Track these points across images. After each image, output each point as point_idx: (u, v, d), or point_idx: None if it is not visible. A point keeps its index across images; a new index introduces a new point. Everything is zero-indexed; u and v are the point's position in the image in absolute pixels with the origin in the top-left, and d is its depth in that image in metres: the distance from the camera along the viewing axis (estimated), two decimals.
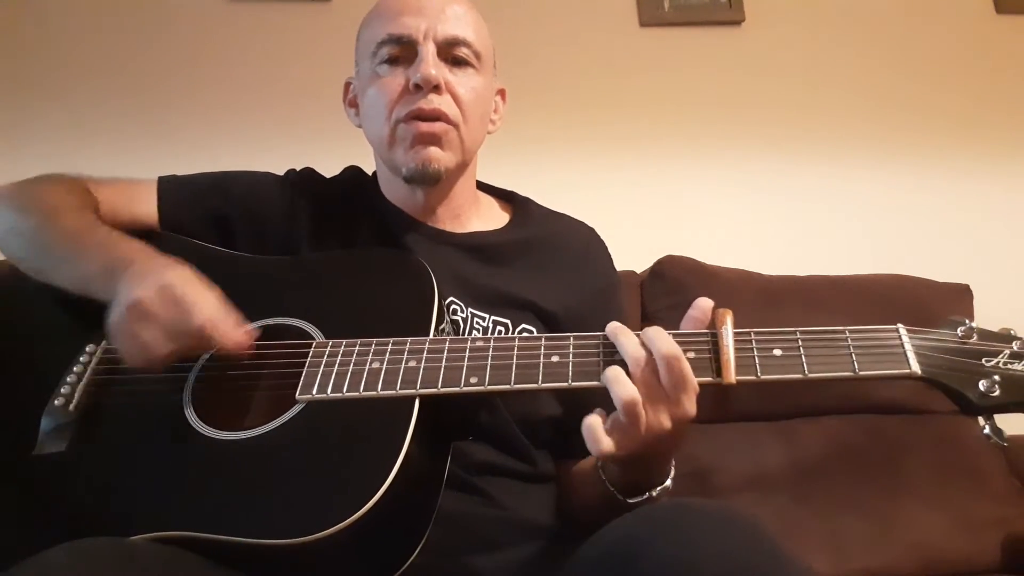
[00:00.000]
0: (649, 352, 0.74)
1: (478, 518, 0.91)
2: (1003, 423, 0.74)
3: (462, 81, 1.00)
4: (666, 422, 0.75)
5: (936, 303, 1.76)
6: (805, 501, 1.57)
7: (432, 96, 0.97)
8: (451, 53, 1.00)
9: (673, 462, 0.87)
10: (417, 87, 0.97)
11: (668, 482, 0.86)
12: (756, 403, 1.69)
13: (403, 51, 0.99)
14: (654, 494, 0.85)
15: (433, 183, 1.01)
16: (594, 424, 0.75)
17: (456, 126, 0.99)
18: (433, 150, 0.98)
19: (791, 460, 1.64)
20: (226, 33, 2.03)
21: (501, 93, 1.12)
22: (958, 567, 1.53)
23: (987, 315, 1.78)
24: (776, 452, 1.65)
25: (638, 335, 0.76)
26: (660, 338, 0.75)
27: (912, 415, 1.72)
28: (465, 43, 1.01)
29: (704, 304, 0.79)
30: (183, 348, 0.81)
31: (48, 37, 1.96)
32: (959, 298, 1.83)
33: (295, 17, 2.05)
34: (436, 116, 0.97)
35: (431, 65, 0.97)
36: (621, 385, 0.73)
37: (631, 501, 0.85)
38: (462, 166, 1.04)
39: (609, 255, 1.15)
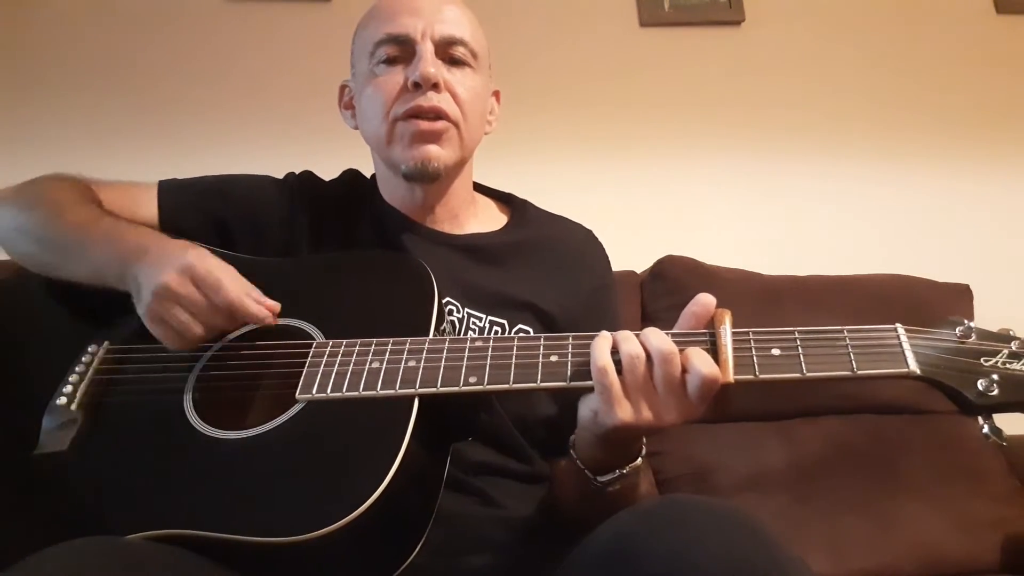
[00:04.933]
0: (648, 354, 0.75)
1: (477, 518, 0.91)
2: (1003, 423, 0.73)
3: (460, 80, 1.01)
4: (672, 415, 0.75)
5: (936, 303, 1.76)
6: (805, 501, 1.57)
7: (431, 94, 0.97)
8: (448, 53, 1.00)
9: (644, 440, 0.86)
10: (416, 85, 0.97)
11: (639, 460, 0.86)
12: (756, 403, 1.69)
13: (401, 51, 1.00)
14: (625, 472, 0.85)
15: (432, 181, 1.01)
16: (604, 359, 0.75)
17: (456, 124, 1.00)
18: (432, 148, 0.99)
19: (791, 460, 1.64)
20: (225, 33, 2.03)
21: (496, 95, 1.12)
22: (958, 567, 1.53)
23: (987, 315, 1.78)
24: (776, 452, 1.65)
25: (638, 335, 0.76)
26: (657, 337, 0.75)
27: (912, 415, 1.72)
28: (462, 43, 1.01)
29: (706, 300, 0.79)
30: (215, 326, 0.85)
31: (46, 38, 1.96)
32: (959, 298, 1.83)
33: (295, 17, 2.05)
34: (436, 114, 0.98)
35: (429, 63, 0.97)
36: (629, 342, 0.75)
37: (601, 480, 0.85)
38: (461, 164, 1.04)
39: (606, 256, 1.15)
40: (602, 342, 0.76)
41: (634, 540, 0.67)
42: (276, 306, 0.87)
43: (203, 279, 0.83)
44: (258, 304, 0.86)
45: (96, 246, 0.91)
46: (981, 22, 2.29)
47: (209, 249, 0.89)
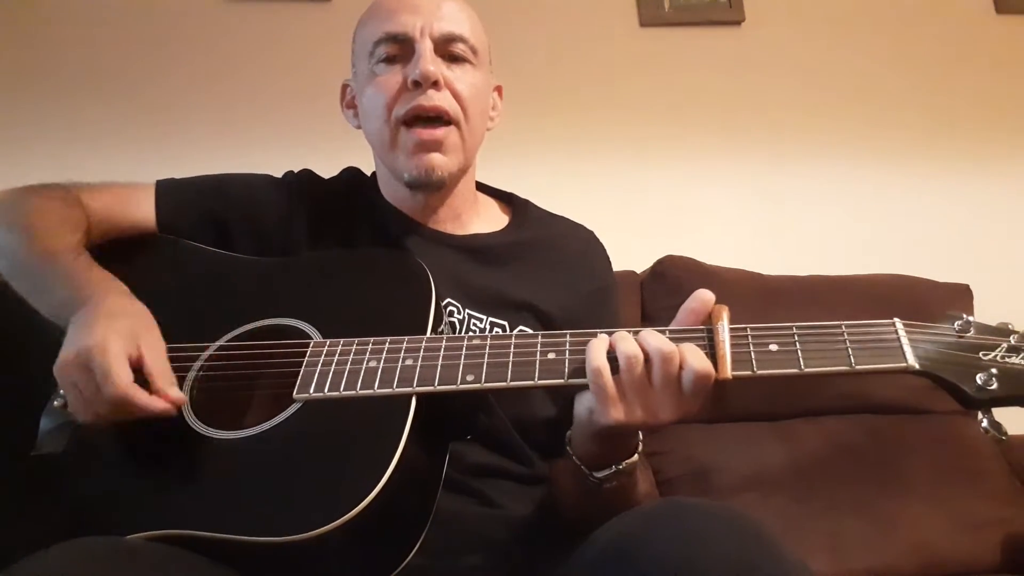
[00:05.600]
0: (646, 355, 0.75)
1: (476, 519, 0.91)
2: (1004, 422, 0.73)
3: (460, 77, 1.00)
4: (668, 413, 0.75)
5: (936, 303, 1.76)
6: (805, 501, 1.57)
7: (431, 92, 0.97)
8: (448, 50, 1.00)
9: (640, 435, 0.86)
10: (416, 84, 0.97)
11: (635, 456, 0.85)
12: (756, 403, 1.68)
13: (400, 49, 0.99)
14: (621, 467, 0.84)
15: (436, 189, 1.02)
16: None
17: (457, 124, 0.99)
18: (436, 157, 0.98)
19: (791, 460, 1.64)
20: (225, 33, 2.03)
21: (498, 90, 1.12)
22: (958, 567, 1.53)
23: (987, 315, 1.74)
24: (776, 452, 1.65)
25: (635, 335, 0.76)
26: (654, 337, 0.75)
27: (912, 415, 1.72)
28: (462, 39, 1.00)
29: (704, 296, 0.79)
30: (107, 413, 0.78)
31: (46, 38, 1.96)
32: (959, 298, 1.83)
33: (295, 17, 2.05)
34: (437, 113, 0.97)
35: (429, 61, 0.96)
36: (626, 342, 0.75)
37: (598, 476, 0.85)
38: (464, 169, 1.04)
39: (607, 257, 1.15)
40: (598, 343, 0.76)
41: (635, 542, 0.67)
42: (178, 400, 0.79)
43: (94, 370, 0.77)
44: (151, 400, 0.77)
45: (53, 286, 0.89)
46: (981, 22, 2.29)
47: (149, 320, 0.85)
